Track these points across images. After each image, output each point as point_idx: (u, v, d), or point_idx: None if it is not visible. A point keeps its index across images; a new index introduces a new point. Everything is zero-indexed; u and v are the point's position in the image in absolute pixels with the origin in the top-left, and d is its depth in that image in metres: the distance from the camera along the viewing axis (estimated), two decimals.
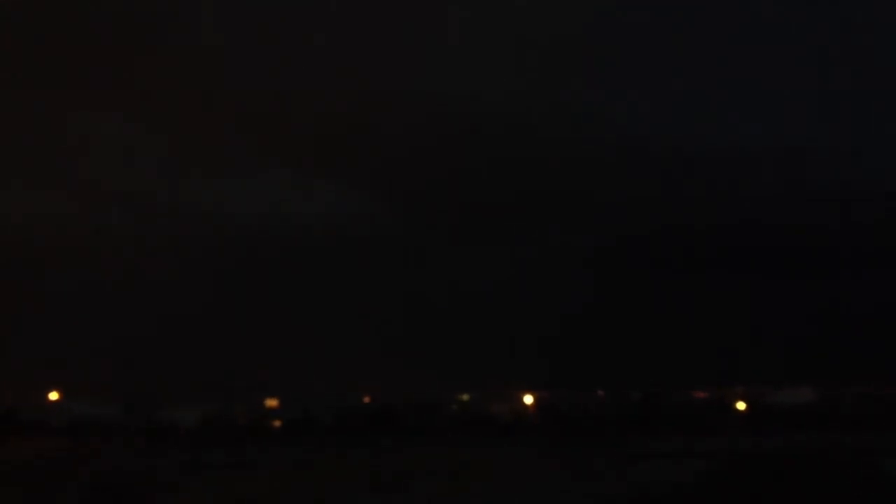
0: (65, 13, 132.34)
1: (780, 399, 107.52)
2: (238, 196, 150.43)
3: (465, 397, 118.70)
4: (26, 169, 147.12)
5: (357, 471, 44.63)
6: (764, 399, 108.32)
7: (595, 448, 63.06)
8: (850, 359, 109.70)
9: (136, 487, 34.03)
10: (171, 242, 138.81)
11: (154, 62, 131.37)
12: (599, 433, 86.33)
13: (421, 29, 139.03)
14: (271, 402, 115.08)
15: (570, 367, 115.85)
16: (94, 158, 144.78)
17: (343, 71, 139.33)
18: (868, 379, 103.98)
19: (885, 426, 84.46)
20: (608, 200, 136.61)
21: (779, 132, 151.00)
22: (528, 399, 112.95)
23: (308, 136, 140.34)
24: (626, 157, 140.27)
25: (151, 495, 32.35)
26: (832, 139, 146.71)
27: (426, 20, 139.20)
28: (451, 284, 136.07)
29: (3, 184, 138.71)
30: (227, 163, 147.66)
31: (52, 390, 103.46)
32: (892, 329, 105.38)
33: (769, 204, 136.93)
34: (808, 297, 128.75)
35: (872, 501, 28.61)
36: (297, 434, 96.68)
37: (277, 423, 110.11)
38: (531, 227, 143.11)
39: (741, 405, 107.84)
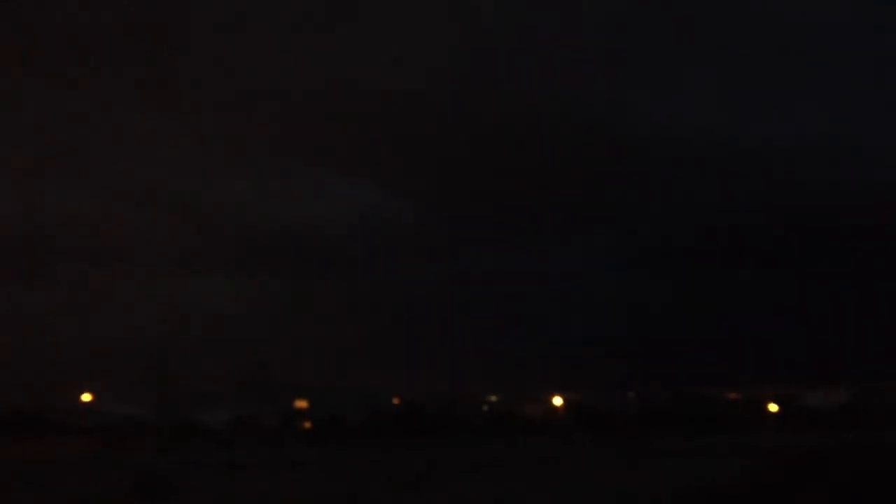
0: (97, 12, 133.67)
1: (811, 401, 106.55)
2: (269, 196, 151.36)
3: (495, 398, 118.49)
4: (59, 168, 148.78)
5: (387, 470, 44.58)
6: (796, 400, 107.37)
7: (628, 446, 62.69)
8: (886, 358, 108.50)
9: (168, 487, 34.16)
10: (202, 242, 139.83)
11: (184, 62, 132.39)
12: (631, 433, 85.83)
13: (453, 21, 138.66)
14: (301, 403, 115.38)
15: (601, 367, 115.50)
16: (125, 158, 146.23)
17: (369, 68, 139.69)
18: None
19: None
20: (647, 200, 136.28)
21: (828, 126, 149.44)
22: (558, 400, 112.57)
23: (338, 135, 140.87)
24: (667, 155, 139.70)
25: (184, 495, 32.48)
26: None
27: (456, 13, 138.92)
28: (482, 285, 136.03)
29: (36, 183, 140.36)
30: (259, 163, 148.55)
31: (83, 391, 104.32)
32: None
33: (812, 201, 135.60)
34: (847, 294, 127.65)
35: None
36: (327, 434, 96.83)
37: (307, 424, 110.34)
38: (567, 228, 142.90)
39: (773, 406, 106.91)
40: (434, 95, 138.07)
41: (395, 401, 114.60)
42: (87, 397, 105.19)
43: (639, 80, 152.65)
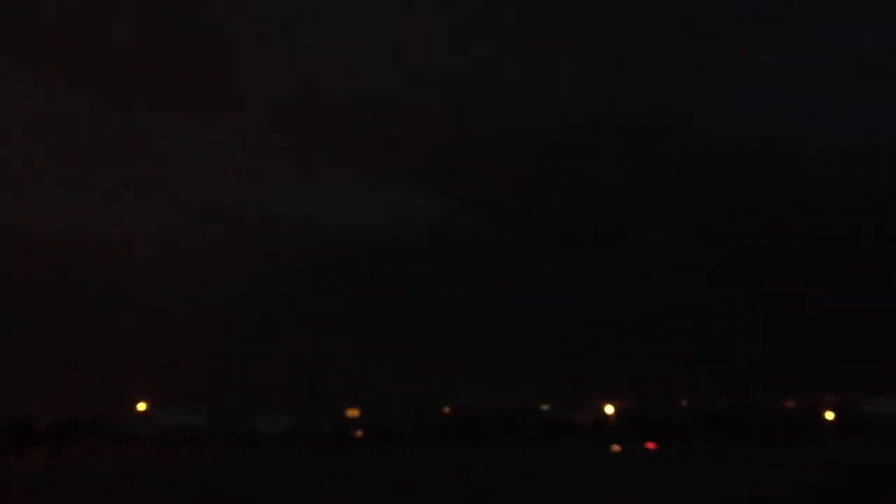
0: (154, 30, 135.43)
1: (870, 408, 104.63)
2: (324, 208, 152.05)
3: (545, 407, 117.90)
4: (118, 185, 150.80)
5: (444, 478, 44.47)
6: (854, 407, 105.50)
7: (686, 455, 61.97)
8: None
9: (234, 495, 34.33)
10: (258, 254, 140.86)
11: (235, 78, 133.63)
12: (684, 441, 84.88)
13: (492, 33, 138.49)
14: (352, 412, 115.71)
15: (654, 376, 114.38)
16: (182, 174, 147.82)
17: (425, 80, 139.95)
18: None
19: None
20: (702, 212, 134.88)
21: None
22: (609, 408, 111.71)
23: (394, 147, 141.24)
24: (734, 165, 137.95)
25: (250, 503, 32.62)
26: None
27: (508, 32, 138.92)
28: (535, 295, 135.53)
29: (93, 199, 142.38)
30: (314, 175, 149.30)
31: (140, 401, 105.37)
32: None
33: (872, 213, 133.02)
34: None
35: None
36: (379, 443, 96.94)
37: (359, 433, 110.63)
38: (620, 236, 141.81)
39: (830, 415, 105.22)
40: (473, 106, 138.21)
41: (446, 410, 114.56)
42: (142, 406, 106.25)
43: (696, 88, 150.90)
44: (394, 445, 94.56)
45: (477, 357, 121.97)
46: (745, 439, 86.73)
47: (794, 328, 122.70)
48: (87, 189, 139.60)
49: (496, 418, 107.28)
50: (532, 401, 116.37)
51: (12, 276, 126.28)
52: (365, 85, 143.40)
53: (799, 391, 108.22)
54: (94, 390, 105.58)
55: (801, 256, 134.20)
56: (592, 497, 33.66)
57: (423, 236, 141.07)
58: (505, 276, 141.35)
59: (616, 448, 78.90)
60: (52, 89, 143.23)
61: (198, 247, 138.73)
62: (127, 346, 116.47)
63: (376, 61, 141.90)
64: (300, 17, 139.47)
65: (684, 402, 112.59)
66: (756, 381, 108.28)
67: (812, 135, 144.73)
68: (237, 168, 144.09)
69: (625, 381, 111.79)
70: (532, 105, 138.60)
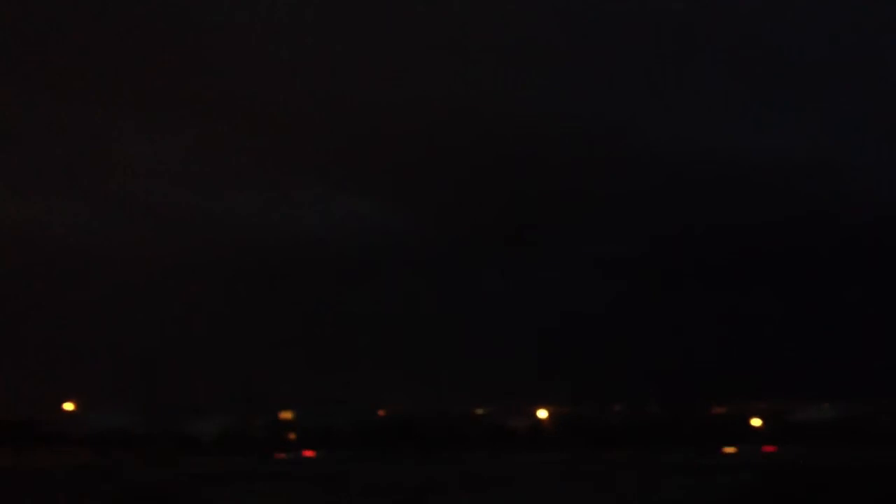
0: (85, 21, 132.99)
1: (799, 416, 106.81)
2: (255, 207, 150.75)
3: (481, 411, 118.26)
4: (45, 177, 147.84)
5: (380, 483, 44.45)
6: (783, 415, 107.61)
7: (620, 462, 62.67)
8: (875, 375, 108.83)
9: (163, 499, 33.90)
10: (191, 252, 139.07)
11: (173, 70, 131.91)
12: (621, 447, 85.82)
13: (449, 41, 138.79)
14: (286, 415, 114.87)
15: (586, 381, 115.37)
16: (112, 167, 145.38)
17: (358, 79, 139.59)
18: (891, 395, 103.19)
19: None
20: (628, 211, 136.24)
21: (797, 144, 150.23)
22: (543, 413, 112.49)
23: (327, 146, 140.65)
24: (647, 166, 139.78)
25: None
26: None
27: (445, 27, 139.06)
28: (466, 297, 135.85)
29: (23, 192, 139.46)
30: (246, 173, 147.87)
31: (68, 401, 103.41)
32: None
33: (790, 216, 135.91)
34: (829, 310, 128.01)
35: None
36: (315, 446, 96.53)
37: (293, 436, 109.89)
38: (558, 243, 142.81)
39: (757, 421, 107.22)
40: (427, 111, 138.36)
41: (381, 413, 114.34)
42: (69, 406, 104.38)
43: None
44: (328, 448, 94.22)
45: (413, 360, 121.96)
46: (678, 444, 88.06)
47: (727, 336, 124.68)
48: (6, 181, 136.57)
49: (432, 422, 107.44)
50: (468, 405, 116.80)
51: None
52: (299, 83, 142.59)
53: (729, 398, 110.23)
54: (20, 390, 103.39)
55: (737, 266, 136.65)
56: (517, 499, 33.85)
57: (363, 239, 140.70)
58: (444, 280, 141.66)
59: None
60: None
61: (131, 245, 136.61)
62: (56, 344, 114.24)
63: (329, 62, 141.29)
64: (254, 18, 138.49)
65: (617, 408, 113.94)
66: (688, 387, 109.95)
67: (757, 146, 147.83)
68: (175, 166, 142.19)
69: (560, 386, 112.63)
70: (479, 111, 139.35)
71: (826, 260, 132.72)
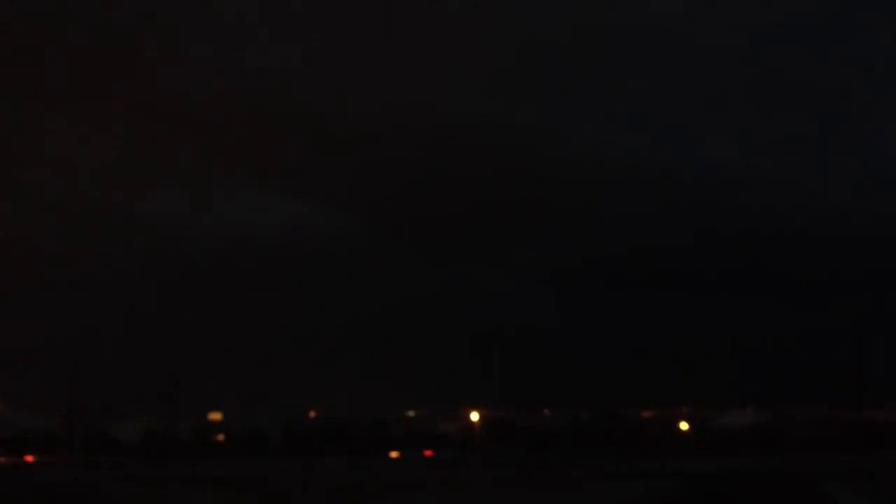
0: (34, 21, 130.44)
1: (723, 421, 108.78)
2: (185, 207, 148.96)
3: (412, 414, 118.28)
4: None
5: (309, 484, 44.13)
6: (708, 420, 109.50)
7: (550, 465, 63.08)
8: (796, 381, 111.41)
9: (82, 501, 33.26)
10: (120, 254, 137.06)
11: (123, 74, 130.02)
12: (550, 450, 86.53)
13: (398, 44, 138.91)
14: (215, 416, 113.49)
15: (517, 385, 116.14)
16: (49, 167, 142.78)
17: (309, 87, 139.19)
18: (812, 402, 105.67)
19: (827, 448, 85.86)
20: (569, 221, 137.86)
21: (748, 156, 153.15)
22: (475, 416, 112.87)
23: (273, 151, 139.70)
24: (591, 177, 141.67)
25: None
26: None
27: (400, 34, 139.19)
28: (405, 304, 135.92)
29: None
30: (189, 176, 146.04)
31: None
32: (840, 354, 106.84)
33: (730, 227, 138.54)
34: (760, 320, 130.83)
35: None
36: (244, 448, 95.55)
37: (221, 437, 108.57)
38: (490, 246, 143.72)
39: (684, 425, 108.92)
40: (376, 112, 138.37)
41: (312, 414, 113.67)
42: None
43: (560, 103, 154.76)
44: (257, 450, 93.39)
45: (345, 363, 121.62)
46: (607, 449, 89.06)
47: (657, 342, 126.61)
48: None
49: (362, 424, 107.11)
50: (399, 407, 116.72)
51: None
52: (246, 89, 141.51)
53: (656, 403, 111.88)
54: None
55: (667, 276, 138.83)
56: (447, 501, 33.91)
57: (299, 240, 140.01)
58: (375, 282, 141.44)
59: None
60: None
61: (56, 244, 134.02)
62: None
63: (255, 68, 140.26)
64: (193, 18, 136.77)
65: (547, 412, 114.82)
66: (617, 392, 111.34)
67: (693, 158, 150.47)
68: (102, 165, 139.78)
69: (490, 389, 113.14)
70: (416, 117, 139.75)
71: (751, 273, 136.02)
